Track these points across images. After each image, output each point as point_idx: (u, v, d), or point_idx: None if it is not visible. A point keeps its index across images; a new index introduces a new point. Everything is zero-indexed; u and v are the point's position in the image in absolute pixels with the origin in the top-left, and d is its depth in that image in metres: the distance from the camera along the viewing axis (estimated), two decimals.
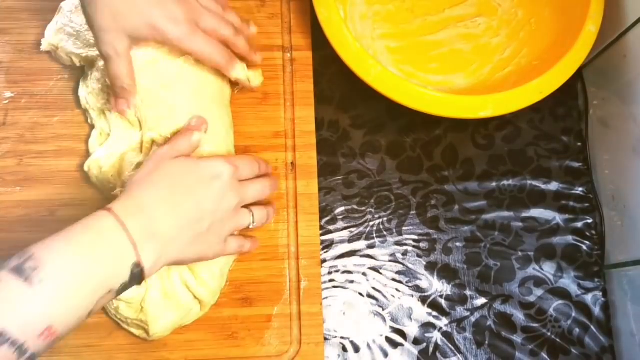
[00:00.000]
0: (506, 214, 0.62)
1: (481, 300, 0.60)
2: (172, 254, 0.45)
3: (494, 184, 0.63)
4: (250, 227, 0.52)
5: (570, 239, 0.62)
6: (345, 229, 0.61)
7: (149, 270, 0.43)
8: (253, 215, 0.52)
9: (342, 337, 0.58)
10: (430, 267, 0.60)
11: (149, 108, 0.53)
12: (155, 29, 0.50)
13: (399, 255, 0.60)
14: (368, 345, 0.58)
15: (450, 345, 0.58)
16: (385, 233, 0.61)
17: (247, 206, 0.52)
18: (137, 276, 0.42)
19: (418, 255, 0.61)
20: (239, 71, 0.56)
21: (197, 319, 0.54)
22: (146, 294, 0.51)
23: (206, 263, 0.52)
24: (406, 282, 0.60)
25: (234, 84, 0.59)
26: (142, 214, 0.43)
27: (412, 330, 0.58)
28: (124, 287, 0.42)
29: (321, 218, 0.60)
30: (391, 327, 0.58)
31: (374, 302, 0.59)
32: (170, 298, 0.52)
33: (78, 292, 0.39)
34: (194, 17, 0.52)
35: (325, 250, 0.60)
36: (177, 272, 0.52)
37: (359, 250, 0.60)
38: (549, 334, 0.59)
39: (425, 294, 0.60)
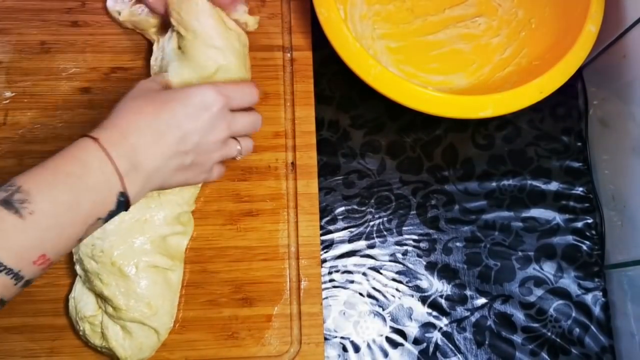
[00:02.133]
0: (506, 214, 0.62)
1: (481, 300, 0.60)
2: (156, 182, 0.46)
3: (494, 184, 0.63)
4: (237, 158, 0.52)
5: (570, 239, 0.62)
6: (345, 229, 0.61)
7: (134, 198, 0.44)
8: (240, 147, 0.51)
9: (342, 337, 0.58)
10: (430, 267, 0.60)
11: None
12: None
13: (399, 255, 0.60)
14: (368, 345, 0.58)
15: (450, 345, 0.58)
16: (385, 233, 0.61)
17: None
18: (123, 204, 0.43)
19: (418, 255, 0.61)
20: (241, 13, 0.55)
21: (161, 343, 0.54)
22: (103, 319, 0.51)
23: (153, 287, 0.52)
24: (406, 282, 0.60)
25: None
26: (127, 142, 0.43)
27: (412, 330, 0.58)
28: (111, 215, 0.43)
29: (321, 218, 0.60)
30: (391, 327, 0.58)
31: (374, 302, 0.59)
32: (124, 328, 0.51)
33: (68, 222, 0.40)
34: None
35: (325, 250, 0.60)
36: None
37: (359, 250, 0.60)
38: (549, 334, 0.59)
39: (426, 294, 0.60)
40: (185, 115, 0.46)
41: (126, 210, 0.44)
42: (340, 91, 0.65)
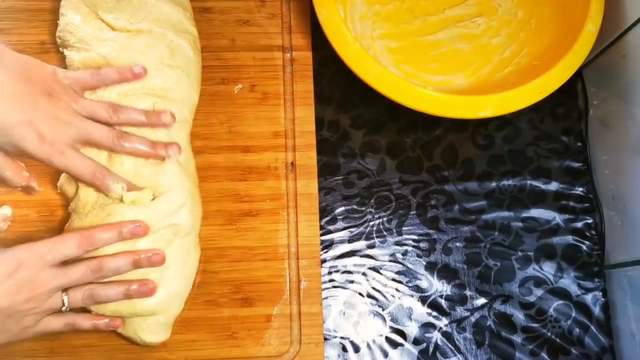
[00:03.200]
0: (506, 214, 0.62)
1: (481, 300, 0.60)
2: None
3: (494, 184, 0.63)
4: (63, 309, 0.49)
5: (570, 239, 0.62)
6: (345, 229, 0.61)
7: None
8: (66, 298, 0.48)
9: (342, 337, 0.58)
10: (430, 267, 0.60)
11: None
12: (21, 151, 0.49)
13: (399, 255, 0.60)
14: (368, 345, 0.58)
15: (450, 345, 0.58)
16: (385, 233, 0.61)
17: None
18: None
19: (418, 255, 0.61)
20: (116, 191, 0.51)
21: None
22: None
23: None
24: (406, 282, 0.60)
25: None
26: None
27: (412, 330, 0.58)
28: None
29: (321, 218, 0.60)
30: (391, 327, 0.58)
31: (374, 302, 0.59)
32: None
33: None
34: (66, 120, 0.50)
35: (325, 250, 0.60)
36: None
37: (359, 250, 0.60)
38: (549, 334, 0.59)
39: (425, 294, 0.60)
40: None
41: None
42: (340, 91, 0.65)
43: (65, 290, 0.49)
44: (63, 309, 0.49)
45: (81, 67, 0.55)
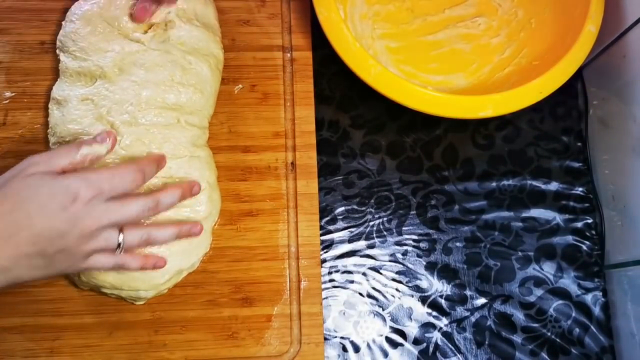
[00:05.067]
0: (506, 214, 0.62)
1: (481, 300, 0.60)
2: (9, 279, 0.43)
3: (494, 184, 0.63)
4: (119, 250, 0.46)
5: (570, 239, 0.62)
6: (345, 229, 0.61)
7: None
8: (123, 237, 0.46)
9: (342, 337, 0.58)
10: (430, 267, 0.60)
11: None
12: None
13: (399, 255, 0.60)
14: (368, 345, 0.58)
15: (450, 345, 0.58)
16: (385, 233, 0.61)
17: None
18: None
19: (418, 255, 0.61)
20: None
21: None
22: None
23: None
24: (406, 282, 0.60)
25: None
26: None
27: (412, 330, 0.59)
28: None
29: (321, 218, 0.60)
30: (391, 327, 0.58)
31: (374, 302, 0.59)
32: None
33: None
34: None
35: (325, 250, 0.60)
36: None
37: (359, 250, 0.60)
38: (549, 334, 0.59)
39: (425, 294, 0.60)
40: (43, 208, 0.42)
41: None
42: (340, 91, 0.65)
43: (121, 230, 0.46)
44: (117, 249, 0.46)
45: (74, 75, 0.55)
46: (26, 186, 0.42)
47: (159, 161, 0.50)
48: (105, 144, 0.47)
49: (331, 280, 0.59)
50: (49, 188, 0.43)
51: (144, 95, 0.54)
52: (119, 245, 0.46)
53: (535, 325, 0.59)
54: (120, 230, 0.46)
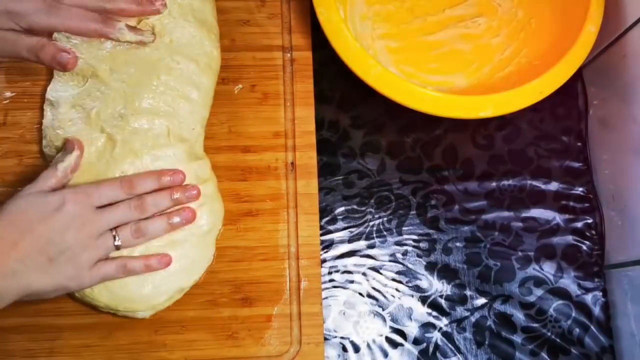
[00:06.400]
0: (506, 214, 0.62)
1: (481, 300, 0.60)
2: (21, 285, 0.46)
3: (494, 184, 0.63)
4: (118, 250, 0.51)
5: (570, 239, 0.62)
6: (345, 229, 0.61)
7: None
8: (116, 237, 0.50)
9: (342, 337, 0.58)
10: (430, 267, 0.60)
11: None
12: (8, 13, 0.48)
13: (399, 255, 0.60)
14: (368, 345, 0.58)
15: (450, 345, 0.58)
16: (385, 233, 0.61)
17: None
18: None
19: (418, 255, 0.61)
20: (123, 34, 0.52)
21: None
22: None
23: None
24: (406, 282, 0.60)
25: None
26: None
27: (412, 330, 0.59)
28: None
29: (321, 218, 0.60)
30: (391, 327, 0.58)
31: (374, 302, 0.59)
32: None
33: None
34: None
35: (325, 250, 0.60)
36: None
37: (359, 250, 0.60)
38: (549, 334, 0.59)
39: (425, 294, 0.60)
40: (38, 219, 0.47)
41: None
42: (340, 91, 0.65)
43: (114, 230, 0.50)
44: (116, 243, 0.50)
45: (67, 74, 0.55)
46: (24, 202, 0.48)
47: (159, 175, 0.52)
48: (75, 151, 0.51)
49: (331, 280, 0.59)
50: (44, 198, 0.48)
51: (133, 98, 0.54)
52: (116, 247, 0.50)
53: (535, 325, 0.59)
54: (113, 230, 0.50)
